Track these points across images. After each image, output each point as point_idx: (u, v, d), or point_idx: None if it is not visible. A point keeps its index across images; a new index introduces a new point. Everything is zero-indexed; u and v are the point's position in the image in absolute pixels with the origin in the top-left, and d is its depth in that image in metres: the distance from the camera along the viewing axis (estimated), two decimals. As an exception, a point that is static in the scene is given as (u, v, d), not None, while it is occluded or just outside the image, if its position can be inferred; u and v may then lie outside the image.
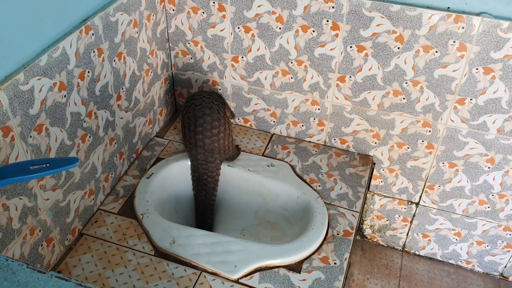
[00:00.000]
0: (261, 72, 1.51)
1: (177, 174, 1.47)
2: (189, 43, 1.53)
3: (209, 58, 1.54)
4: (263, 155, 1.55)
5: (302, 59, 1.43)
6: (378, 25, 1.29)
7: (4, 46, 0.91)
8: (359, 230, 1.83)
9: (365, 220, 1.78)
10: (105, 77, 1.23)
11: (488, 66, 1.27)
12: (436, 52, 1.29)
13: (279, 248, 1.24)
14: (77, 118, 1.15)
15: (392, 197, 1.67)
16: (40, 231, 1.11)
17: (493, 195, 1.52)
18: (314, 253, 1.24)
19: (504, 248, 1.64)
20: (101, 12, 1.16)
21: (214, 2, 1.41)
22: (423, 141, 1.48)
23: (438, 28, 1.24)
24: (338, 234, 1.30)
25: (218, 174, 1.40)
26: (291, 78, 1.49)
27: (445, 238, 1.70)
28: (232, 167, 1.47)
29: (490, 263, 1.71)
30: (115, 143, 1.36)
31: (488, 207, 1.55)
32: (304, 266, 1.21)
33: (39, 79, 0.99)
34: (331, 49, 1.38)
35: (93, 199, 1.30)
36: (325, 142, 1.61)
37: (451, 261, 1.77)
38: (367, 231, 1.82)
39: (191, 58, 1.56)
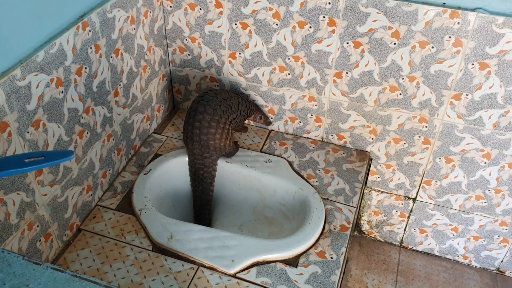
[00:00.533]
0: (258, 69, 1.51)
1: (175, 170, 1.47)
2: (186, 40, 1.54)
3: (206, 55, 1.55)
4: (261, 151, 1.55)
5: (299, 55, 1.44)
6: (374, 21, 1.30)
7: (0, 41, 0.91)
8: (357, 225, 1.84)
9: (362, 216, 1.79)
10: (102, 73, 1.24)
11: (483, 61, 1.27)
12: (432, 47, 1.29)
13: (276, 243, 1.24)
14: (74, 114, 1.16)
15: (389, 193, 1.68)
16: (38, 226, 1.11)
17: (489, 190, 1.53)
18: (311, 247, 1.25)
19: (500, 243, 1.65)
20: (98, 9, 1.16)
21: (211, -1, 1.41)
22: (419, 136, 1.49)
23: (434, 23, 1.25)
24: (335, 229, 1.31)
25: (215, 170, 1.41)
26: (288, 74, 1.49)
27: (442, 233, 1.71)
28: (230, 163, 1.47)
29: (486, 258, 1.72)
30: (113, 139, 1.36)
31: (485, 202, 1.56)
32: (301, 260, 1.22)
33: (36, 75, 1.00)
34: (328, 45, 1.39)
35: (91, 195, 1.31)
36: (322, 138, 1.62)
37: (448, 256, 1.78)
38: (365, 227, 1.83)
39: (189, 54, 1.57)
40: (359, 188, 1.44)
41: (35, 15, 0.99)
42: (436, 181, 1.58)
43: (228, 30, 1.46)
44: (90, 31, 1.15)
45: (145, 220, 1.29)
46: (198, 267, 1.19)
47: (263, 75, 1.52)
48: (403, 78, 1.38)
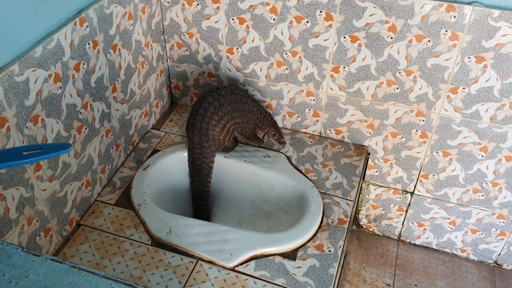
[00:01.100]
0: (256, 64, 1.52)
1: (174, 165, 1.48)
2: (184, 35, 1.54)
3: (204, 50, 1.55)
4: (259, 146, 1.56)
5: (297, 50, 1.44)
6: (371, 15, 1.30)
7: (-2, 37, 0.92)
8: (355, 220, 1.84)
9: (360, 210, 1.80)
10: (100, 69, 1.24)
11: (480, 55, 1.28)
12: (429, 41, 1.30)
13: (275, 237, 1.25)
14: (72, 109, 1.17)
15: (387, 187, 1.68)
16: (37, 221, 1.12)
17: (486, 184, 1.54)
18: (309, 241, 1.26)
19: (498, 236, 1.66)
20: (96, 4, 1.17)
21: (208, -6, 1.42)
22: (417, 130, 1.49)
23: (430, 17, 1.25)
24: (332, 222, 1.32)
25: (212, 162, 1.41)
26: (286, 69, 1.50)
27: (440, 227, 1.72)
28: (228, 158, 1.48)
29: (484, 251, 1.73)
30: (111, 135, 1.37)
31: (482, 195, 1.57)
32: (299, 254, 1.23)
33: (34, 71, 1.00)
34: (325, 40, 1.39)
35: (90, 190, 1.32)
36: (320, 133, 1.62)
37: (446, 250, 1.79)
38: (363, 221, 1.84)
39: (186, 50, 1.57)
40: (357, 182, 1.45)
41: (33, 11, 0.99)
42: (433, 175, 1.58)
43: (226, 25, 1.46)
44: (87, 26, 1.15)
45: (144, 215, 1.29)
46: (197, 261, 1.20)
47: (260, 70, 1.53)
48: (400, 72, 1.38)
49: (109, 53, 1.27)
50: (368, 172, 1.67)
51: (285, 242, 1.24)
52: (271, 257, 1.22)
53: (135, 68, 1.42)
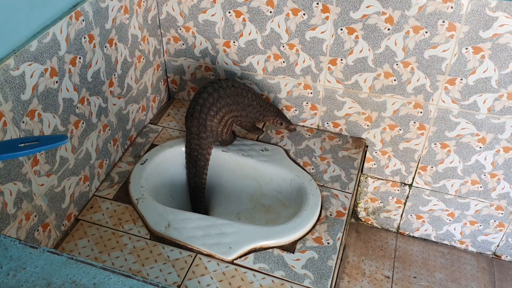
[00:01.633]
0: (253, 57, 1.51)
1: (172, 160, 1.48)
2: (180, 29, 1.53)
3: (201, 44, 1.54)
4: (257, 140, 1.56)
5: (294, 42, 1.44)
6: (367, 7, 1.30)
7: (-7, 31, 0.91)
8: (354, 213, 1.85)
9: (359, 203, 1.80)
10: (97, 63, 1.24)
11: (477, 45, 1.27)
12: (426, 32, 1.30)
13: (273, 230, 1.25)
14: (69, 104, 1.16)
15: (385, 179, 1.69)
16: (35, 216, 1.12)
17: (485, 175, 1.54)
18: (307, 233, 1.26)
19: (496, 228, 1.66)
20: (91, -2, 1.16)
21: (204, -13, 1.41)
22: (414, 122, 1.49)
23: (427, 8, 1.25)
24: (331, 215, 1.32)
25: (209, 154, 1.41)
26: (283, 62, 1.49)
27: (438, 219, 1.72)
28: (226, 152, 1.48)
29: (483, 242, 1.73)
30: (109, 130, 1.37)
31: (480, 187, 1.57)
32: (298, 246, 1.23)
33: (30, 65, 1.00)
34: (322, 32, 1.39)
35: (88, 185, 1.32)
36: (318, 126, 1.62)
37: (445, 242, 1.79)
38: (362, 214, 1.84)
39: (183, 44, 1.57)
40: (355, 174, 1.45)
41: (27, 4, 0.99)
42: (431, 167, 1.58)
43: (222, 18, 1.46)
44: (83, 20, 1.14)
45: (142, 209, 1.29)
46: (196, 255, 1.20)
47: (258, 63, 1.52)
48: (397, 64, 1.38)
49: (106, 47, 1.26)
50: (366, 165, 1.67)
51: (283, 234, 1.24)
52: (270, 250, 1.22)
53: (131, 62, 1.41)
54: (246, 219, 1.45)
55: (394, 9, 1.28)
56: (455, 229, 1.73)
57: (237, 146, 1.51)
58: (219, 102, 1.33)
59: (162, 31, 1.56)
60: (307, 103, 1.57)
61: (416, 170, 1.61)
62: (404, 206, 1.74)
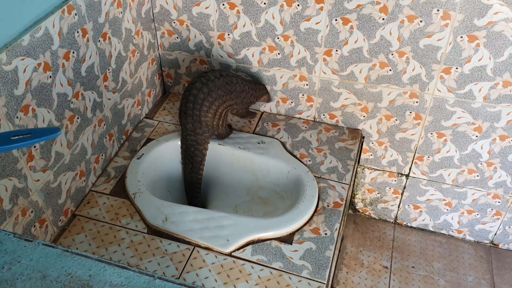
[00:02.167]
0: (248, 49, 1.51)
1: (168, 154, 1.47)
2: (174, 22, 1.53)
3: (195, 37, 1.54)
4: (253, 133, 1.55)
5: (288, 34, 1.43)
6: (362, -3, 1.29)
7: (-15, 26, 0.91)
8: (351, 204, 1.85)
9: (356, 194, 1.80)
10: (91, 57, 1.23)
11: (472, 34, 1.27)
12: (421, 21, 1.29)
13: (271, 221, 1.25)
14: (64, 99, 1.15)
15: (382, 170, 1.69)
16: (32, 212, 1.11)
17: (481, 164, 1.54)
18: (305, 225, 1.26)
19: (493, 216, 1.67)
20: (83, -8, 1.15)
21: (197, -20, 1.40)
22: (410, 112, 1.49)
23: (422, -3, 1.25)
24: (328, 206, 1.32)
25: (206, 149, 1.41)
26: (278, 54, 1.49)
27: (436, 208, 1.73)
28: (223, 145, 1.48)
29: (480, 231, 1.74)
30: (104, 125, 1.36)
31: (477, 175, 1.57)
32: (296, 237, 1.23)
33: (22, 59, 0.99)
34: (317, 23, 1.38)
35: (84, 181, 1.31)
36: (314, 118, 1.62)
37: (443, 231, 1.80)
38: (359, 205, 1.84)
39: (177, 37, 1.56)
40: (352, 165, 1.45)
41: (19, -1, 0.98)
42: (428, 157, 1.58)
43: (216, 11, 1.45)
44: (76, 14, 1.14)
45: (139, 203, 1.29)
46: (194, 248, 1.20)
47: (253, 55, 1.52)
48: (392, 54, 1.38)
49: (99, 41, 1.25)
50: (363, 156, 1.67)
51: (281, 226, 1.24)
52: (268, 242, 1.22)
53: (126, 56, 1.40)
54: (244, 212, 1.45)
55: (388, -1, 1.27)
56: (452, 219, 1.74)
57: (234, 139, 1.50)
58: (210, 96, 1.32)
59: (156, 24, 1.55)
60: (303, 95, 1.57)
61: (412, 160, 1.61)
62: (402, 197, 1.74)
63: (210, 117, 1.35)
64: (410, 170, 1.65)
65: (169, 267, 1.15)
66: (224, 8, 1.43)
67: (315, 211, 1.30)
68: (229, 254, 1.19)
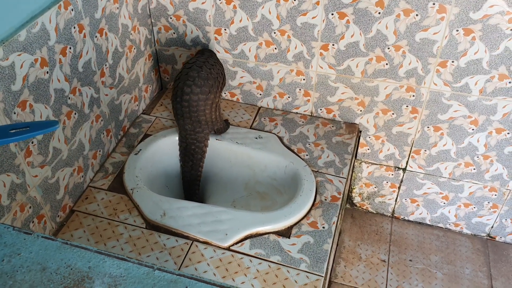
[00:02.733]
0: (244, 44, 1.51)
1: (165, 149, 1.48)
2: (171, 18, 1.52)
3: (192, 32, 1.54)
4: (251, 128, 1.56)
5: (285, 28, 1.43)
6: (358, -9, 1.29)
7: (-19, 21, 0.91)
8: (349, 198, 1.86)
9: (353, 188, 1.81)
10: (88, 53, 1.23)
11: (468, 27, 1.28)
12: (417, 15, 1.30)
13: (269, 216, 1.26)
14: (61, 94, 1.15)
15: (379, 164, 1.69)
16: (30, 207, 1.12)
17: (478, 157, 1.55)
18: (302, 218, 1.27)
19: (490, 209, 1.68)
20: (79, -13, 1.15)
21: (193, -25, 1.40)
22: (407, 106, 1.50)
23: (418, -10, 1.25)
24: (326, 199, 1.32)
25: (206, 146, 1.41)
26: (275, 48, 1.49)
27: (433, 202, 1.73)
28: (220, 141, 1.48)
29: (477, 224, 1.75)
30: (101, 120, 1.36)
31: (474, 169, 1.58)
32: (293, 231, 1.24)
33: (19, 55, 0.99)
34: (313, 17, 1.38)
35: (82, 176, 1.31)
36: (311, 112, 1.62)
37: (440, 225, 1.81)
38: (356, 199, 1.85)
39: (174, 33, 1.56)
40: (349, 159, 1.45)
41: (15, -6, 0.98)
42: (425, 150, 1.59)
43: (213, 6, 1.45)
44: (72, 10, 1.14)
45: (137, 198, 1.29)
46: (192, 242, 1.20)
47: (249, 50, 1.52)
48: (388, 48, 1.38)
49: (96, 37, 1.25)
50: (360, 150, 1.68)
51: (279, 220, 1.24)
52: (266, 236, 1.22)
53: (122, 52, 1.40)
54: (242, 206, 1.45)
55: (384, -8, 1.28)
56: (449, 212, 1.75)
57: (231, 134, 1.51)
58: (202, 93, 1.31)
59: (152, 20, 1.55)
60: (300, 89, 1.57)
61: (409, 154, 1.62)
62: (399, 190, 1.75)
63: (208, 114, 1.35)
64: (407, 164, 1.65)
65: (167, 261, 1.16)
66: (221, 3, 1.43)
67: (313, 205, 1.31)
68: (228, 248, 1.19)
